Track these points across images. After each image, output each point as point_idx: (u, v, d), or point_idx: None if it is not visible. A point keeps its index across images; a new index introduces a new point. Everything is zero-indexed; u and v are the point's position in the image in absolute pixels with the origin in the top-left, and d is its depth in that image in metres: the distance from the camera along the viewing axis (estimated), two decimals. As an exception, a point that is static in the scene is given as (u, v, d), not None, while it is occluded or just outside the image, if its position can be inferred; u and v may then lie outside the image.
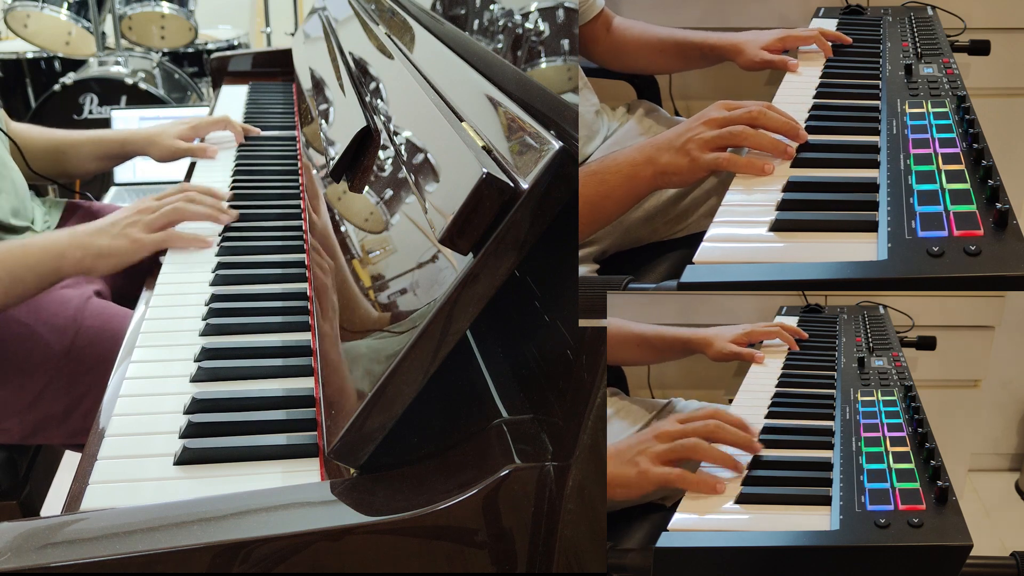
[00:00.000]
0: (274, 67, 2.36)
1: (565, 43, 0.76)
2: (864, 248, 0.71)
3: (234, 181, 1.60)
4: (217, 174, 1.64)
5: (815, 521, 0.78)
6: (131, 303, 1.21)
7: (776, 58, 0.86)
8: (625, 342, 0.86)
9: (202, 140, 1.80)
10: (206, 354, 1.00)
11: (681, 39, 0.86)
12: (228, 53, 2.41)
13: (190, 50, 3.92)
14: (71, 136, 1.75)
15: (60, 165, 1.73)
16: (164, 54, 3.81)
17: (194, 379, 0.97)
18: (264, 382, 0.96)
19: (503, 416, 0.75)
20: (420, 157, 0.86)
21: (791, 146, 0.78)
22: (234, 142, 1.81)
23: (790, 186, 0.77)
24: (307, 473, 0.82)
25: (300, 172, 1.63)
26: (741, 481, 0.81)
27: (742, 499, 0.80)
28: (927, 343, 0.91)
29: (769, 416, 0.88)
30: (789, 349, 0.94)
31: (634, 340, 0.88)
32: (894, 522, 0.78)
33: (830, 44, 0.88)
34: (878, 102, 0.85)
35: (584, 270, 0.79)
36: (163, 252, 1.30)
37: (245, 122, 1.95)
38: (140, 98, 3.28)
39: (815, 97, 0.85)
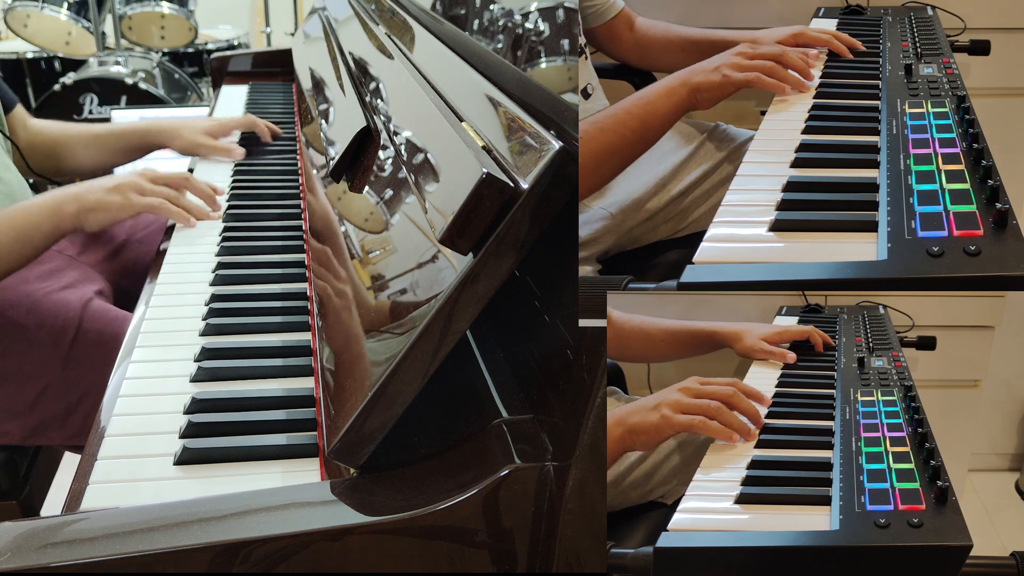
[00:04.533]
0: (274, 67, 2.36)
1: (565, 43, 0.76)
2: (864, 248, 0.71)
3: (234, 181, 1.60)
4: (217, 175, 1.63)
5: (815, 521, 0.78)
6: (133, 301, 1.21)
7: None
8: (653, 339, 0.86)
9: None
10: (206, 354, 1.00)
11: (702, 38, 0.88)
12: (228, 53, 2.40)
13: (190, 50, 3.93)
14: (88, 130, 1.72)
15: (72, 161, 1.71)
16: (164, 54, 3.81)
17: (194, 379, 0.97)
18: (264, 382, 0.96)
19: (503, 416, 0.75)
20: (420, 157, 0.86)
21: (806, 83, 0.84)
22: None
23: (790, 186, 0.77)
24: (307, 473, 0.82)
25: (300, 172, 1.63)
26: (741, 481, 0.81)
27: (742, 499, 0.80)
28: (927, 343, 0.90)
29: (769, 416, 0.88)
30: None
31: (661, 336, 0.88)
32: (894, 522, 0.77)
33: (843, 45, 0.88)
34: (878, 102, 0.84)
35: (587, 270, 0.79)
36: (162, 254, 1.30)
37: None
38: (140, 98, 3.28)
39: (815, 97, 0.85)
